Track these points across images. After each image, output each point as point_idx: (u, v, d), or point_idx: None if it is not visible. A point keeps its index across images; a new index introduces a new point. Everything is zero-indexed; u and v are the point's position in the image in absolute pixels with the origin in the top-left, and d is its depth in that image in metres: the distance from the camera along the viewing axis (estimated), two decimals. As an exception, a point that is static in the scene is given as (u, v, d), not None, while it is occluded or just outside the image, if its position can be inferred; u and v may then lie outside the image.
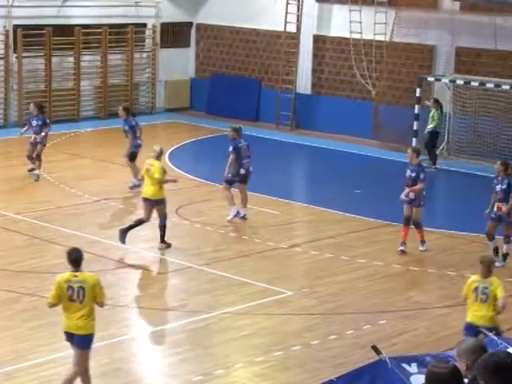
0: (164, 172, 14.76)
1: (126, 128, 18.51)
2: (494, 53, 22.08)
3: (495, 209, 14.30)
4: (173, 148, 22.66)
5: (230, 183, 16.55)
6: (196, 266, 13.93)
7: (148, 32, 27.49)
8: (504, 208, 14.19)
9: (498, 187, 14.25)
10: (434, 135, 21.37)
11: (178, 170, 20.32)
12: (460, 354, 5.71)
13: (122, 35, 26.65)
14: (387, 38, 23.64)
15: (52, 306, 9.42)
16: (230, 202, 16.49)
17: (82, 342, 9.19)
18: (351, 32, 24.07)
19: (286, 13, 25.49)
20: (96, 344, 9.50)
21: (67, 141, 23.34)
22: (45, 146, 19.13)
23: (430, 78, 22.64)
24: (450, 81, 22.33)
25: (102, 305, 9.38)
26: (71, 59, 25.74)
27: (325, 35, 25.39)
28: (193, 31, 28.10)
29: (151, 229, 15.89)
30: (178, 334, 11.37)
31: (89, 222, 16.07)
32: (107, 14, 25.94)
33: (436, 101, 21.51)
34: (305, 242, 15.46)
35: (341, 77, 25.17)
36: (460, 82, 22.05)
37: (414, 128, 22.27)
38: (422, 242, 15.07)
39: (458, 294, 12.94)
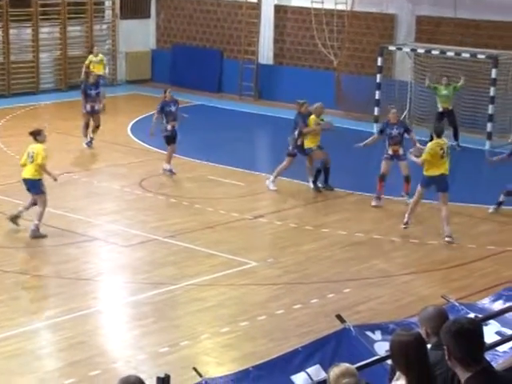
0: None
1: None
2: (454, 21, 22.17)
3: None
4: (135, 120, 22.50)
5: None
6: (160, 238, 13.91)
7: (107, 3, 27.17)
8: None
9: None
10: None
11: (141, 143, 20.21)
12: (421, 320, 5.79)
13: (81, 6, 26.31)
14: (348, 8, 23.61)
15: None
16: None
17: None
18: (312, 1, 24.01)
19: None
20: (60, 318, 9.48)
21: (27, 114, 23.07)
22: None
23: (391, 47, 22.68)
24: (411, 49, 22.39)
25: None
26: (29, 31, 25.39)
27: (286, 5, 25.29)
28: (153, 2, 27.83)
29: (114, 201, 15.85)
30: (144, 307, 11.37)
31: (51, 195, 15.91)
32: (66, -15, 25.58)
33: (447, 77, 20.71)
34: (269, 213, 15.49)
35: (303, 47, 25.12)
36: (421, 50, 22.12)
37: (376, 97, 22.32)
38: (408, 193, 15.68)
39: (421, 261, 13.15)
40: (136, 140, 20.47)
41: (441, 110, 20.57)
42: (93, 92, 19.50)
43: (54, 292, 11.87)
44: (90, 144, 19.58)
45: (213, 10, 26.64)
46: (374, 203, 15.84)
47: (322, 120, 16.94)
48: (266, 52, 25.77)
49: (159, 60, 27.60)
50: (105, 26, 27.31)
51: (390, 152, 16.01)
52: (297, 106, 17.10)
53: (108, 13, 27.26)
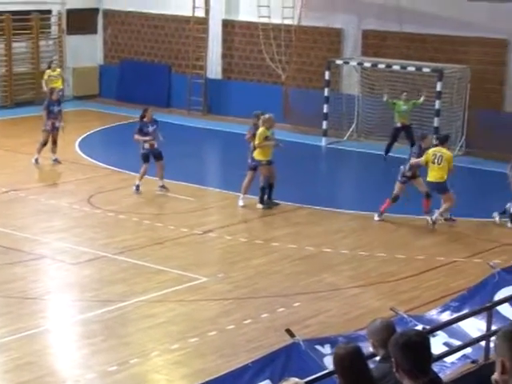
0: None
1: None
2: (399, 35, 22.44)
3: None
4: (83, 136, 22.34)
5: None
6: (109, 255, 13.78)
7: (53, 19, 26.97)
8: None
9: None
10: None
11: (88, 159, 20.06)
12: (369, 333, 5.83)
13: (27, 22, 26.07)
14: (295, 22, 23.77)
15: None
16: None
17: None
18: (260, 16, 24.12)
19: (194, -3, 25.37)
20: (7, 338, 9.33)
21: (-27, 131, 22.76)
22: None
23: (339, 61, 22.88)
24: (358, 63, 22.61)
25: None
26: (-26, 47, 25.09)
27: (234, 20, 25.37)
28: (100, 17, 27.70)
29: (62, 219, 15.68)
30: (93, 325, 11.24)
31: (-3, 213, 15.73)
32: (10, 0, 25.32)
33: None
34: (219, 228, 15.46)
35: (251, 61, 25.21)
36: (367, 64, 22.34)
37: (324, 111, 22.47)
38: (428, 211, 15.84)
39: (370, 274, 13.22)
40: (84, 156, 20.31)
41: (399, 125, 20.53)
42: (55, 108, 19.28)
43: (0, 312, 11.67)
44: (44, 161, 19.24)
45: (160, 25, 26.61)
46: (377, 218, 15.79)
47: (272, 134, 16.71)
48: (214, 67, 25.81)
49: (107, 75, 27.46)
50: (51, 42, 27.09)
51: (409, 174, 15.92)
52: (254, 119, 16.96)
53: (54, 28, 27.05)
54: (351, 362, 5.28)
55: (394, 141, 20.58)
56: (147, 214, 16.14)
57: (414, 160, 15.70)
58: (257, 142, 16.33)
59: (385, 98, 20.82)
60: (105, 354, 10.33)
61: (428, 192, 15.78)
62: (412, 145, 20.54)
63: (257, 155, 16.44)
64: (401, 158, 19.78)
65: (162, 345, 10.66)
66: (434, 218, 15.32)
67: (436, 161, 15.33)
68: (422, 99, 20.67)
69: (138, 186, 17.36)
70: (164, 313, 11.64)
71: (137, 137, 17.39)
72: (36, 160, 19.33)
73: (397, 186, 15.88)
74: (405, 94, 20.64)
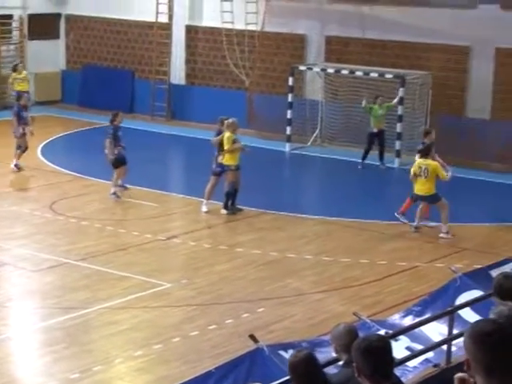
0: None
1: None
2: (362, 41, 22.58)
3: None
4: (45, 142, 22.17)
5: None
6: (72, 262, 13.68)
7: (15, 24, 26.74)
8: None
9: None
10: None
11: (51, 165, 19.91)
12: (332, 338, 5.87)
13: (-12, 27, 25.85)
14: (259, 28, 23.82)
15: None
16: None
17: None
18: (223, 22, 24.14)
19: (157, 3, 25.31)
20: (-32, 347, 9.21)
21: None
22: None
23: (302, 67, 22.96)
24: (321, 69, 22.71)
25: None
26: None
27: (197, 25, 25.36)
28: (62, 22, 27.53)
29: (24, 225, 15.54)
30: (55, 332, 11.14)
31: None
32: (-29, 5, 25.10)
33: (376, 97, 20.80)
34: (183, 233, 15.43)
35: (214, 67, 25.21)
36: (330, 70, 22.45)
37: (288, 116, 22.53)
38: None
39: (334, 279, 13.27)
40: (47, 162, 20.15)
41: (375, 130, 20.49)
42: (25, 114, 19.15)
43: (-39, 320, 11.54)
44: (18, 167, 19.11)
45: (123, 30, 26.51)
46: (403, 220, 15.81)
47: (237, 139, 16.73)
48: (177, 72, 25.77)
49: (69, 81, 27.29)
50: (12, 47, 26.86)
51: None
52: (219, 124, 16.94)
53: (15, 33, 26.82)
54: (305, 369, 5.40)
55: (371, 147, 20.54)
56: (110, 220, 16.06)
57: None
58: (227, 146, 16.32)
59: (363, 104, 20.58)
60: (67, 362, 10.25)
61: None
62: (381, 151, 20.61)
63: (226, 160, 16.42)
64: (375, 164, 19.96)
65: (125, 352, 10.60)
66: (431, 224, 15.55)
67: (423, 173, 15.14)
68: (395, 101, 20.76)
69: (115, 193, 17.22)
70: (127, 319, 11.57)
71: (109, 144, 17.26)
72: (16, 166, 19.02)
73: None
74: (380, 98, 20.64)
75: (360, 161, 20.38)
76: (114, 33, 26.66)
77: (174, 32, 25.55)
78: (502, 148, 20.42)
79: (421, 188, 15.21)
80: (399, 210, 15.74)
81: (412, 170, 15.32)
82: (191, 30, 25.46)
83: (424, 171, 15.13)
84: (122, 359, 10.41)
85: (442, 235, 15.26)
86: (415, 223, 15.53)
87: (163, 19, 25.49)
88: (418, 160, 15.40)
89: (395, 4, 21.76)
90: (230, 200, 16.57)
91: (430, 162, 15.25)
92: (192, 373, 9.65)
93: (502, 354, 3.56)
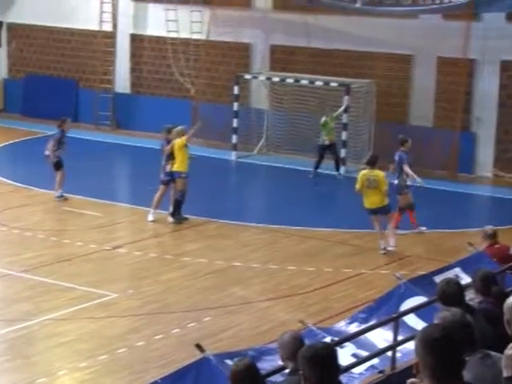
0: None
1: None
2: (307, 50, 22.71)
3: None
4: (-13, 152, 21.86)
5: None
6: (15, 273, 13.48)
7: (-44, 32, 26.37)
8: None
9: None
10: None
11: (-6, 175, 19.63)
12: (278, 346, 5.87)
13: None
14: (204, 37, 23.81)
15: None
16: None
17: None
18: (168, 31, 24.09)
19: (101, 11, 25.14)
20: None
21: None
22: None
23: (247, 76, 23.01)
24: (267, 78, 22.78)
25: None
26: None
27: (142, 34, 25.26)
28: (4, 31, 27.18)
29: (-34, 237, 15.28)
30: (-2, 345, 10.98)
31: None
32: None
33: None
34: (128, 243, 15.31)
35: (160, 75, 25.12)
36: (276, 79, 22.53)
37: (234, 125, 22.56)
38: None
39: (280, 287, 13.30)
40: (-12, 172, 19.86)
41: (327, 142, 20.45)
42: None
43: None
44: None
45: (66, 39, 26.27)
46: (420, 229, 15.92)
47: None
48: (122, 81, 25.62)
49: (11, 90, 26.93)
50: (-47, 55, 26.46)
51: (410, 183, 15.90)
52: (165, 132, 16.89)
53: (-43, 42, 26.44)
54: (245, 378, 5.50)
55: (322, 158, 20.54)
56: (54, 230, 15.87)
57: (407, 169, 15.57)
58: (177, 151, 16.24)
59: (323, 120, 20.35)
60: (10, 375, 10.09)
61: (411, 204, 15.74)
62: (337, 160, 20.62)
63: (177, 167, 16.35)
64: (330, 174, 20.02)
65: (70, 363, 10.47)
66: (389, 247, 14.90)
67: (371, 185, 14.58)
68: (341, 109, 20.76)
69: (61, 195, 17.23)
70: (72, 330, 11.44)
71: (52, 146, 17.37)
72: None
73: (402, 198, 15.68)
74: (331, 111, 20.64)
75: (312, 169, 20.44)
76: (57, 41, 26.41)
77: (119, 41, 25.41)
78: (444, 155, 20.69)
79: (373, 200, 14.63)
80: (413, 225, 15.84)
81: (358, 183, 14.73)
82: (136, 39, 25.35)
83: (372, 182, 14.59)
84: (67, 371, 10.28)
85: (391, 248, 14.86)
86: (382, 246, 14.81)
87: (107, 28, 25.33)
88: (363, 172, 14.88)
89: (340, 13, 21.94)
90: (177, 209, 16.52)
91: (378, 173, 14.74)
92: (138, 383, 9.60)
93: (448, 358, 3.66)
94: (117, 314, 12.06)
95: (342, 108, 20.89)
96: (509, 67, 20.61)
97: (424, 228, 16.02)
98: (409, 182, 15.74)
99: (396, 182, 15.70)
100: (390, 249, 14.91)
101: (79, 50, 26.16)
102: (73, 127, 24.27)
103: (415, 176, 15.70)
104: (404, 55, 21.65)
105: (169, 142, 16.54)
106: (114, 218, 16.97)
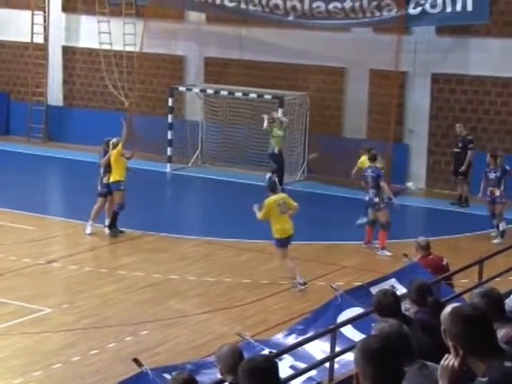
0: None
1: None
2: (240, 62, 22.80)
3: (489, 193, 16.57)
4: None
5: None
6: None
7: None
8: (497, 192, 16.42)
9: (492, 175, 16.56)
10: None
11: None
12: (217, 359, 5.87)
13: None
14: (137, 49, 23.71)
15: None
16: None
17: None
18: (101, 43, 23.92)
19: (32, 23, 24.85)
20: None
21: None
22: None
23: (182, 88, 22.99)
24: (201, 90, 22.79)
25: None
26: None
27: (74, 46, 25.03)
28: None
29: None
30: None
31: None
32: None
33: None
34: (63, 257, 15.14)
35: (93, 88, 24.93)
36: (210, 91, 22.55)
37: (168, 137, 22.50)
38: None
39: (216, 300, 13.28)
40: None
41: (276, 151, 20.43)
42: None
43: None
44: None
45: (-3, 50, 25.90)
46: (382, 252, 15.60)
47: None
48: (55, 93, 25.35)
49: None
50: None
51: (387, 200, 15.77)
52: (103, 145, 16.78)
53: None
54: None
55: (283, 165, 20.51)
56: (-14, 245, 15.58)
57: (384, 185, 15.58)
58: (114, 162, 16.16)
59: (265, 126, 20.27)
60: None
61: (387, 222, 15.52)
62: (278, 174, 20.43)
63: (114, 177, 16.21)
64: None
65: (4, 380, 10.29)
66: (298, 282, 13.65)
67: (282, 210, 13.67)
68: (280, 116, 20.66)
69: None
70: (6, 346, 11.25)
71: None
72: None
73: (382, 215, 15.50)
74: (279, 119, 20.59)
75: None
76: (-13, 53, 26.00)
77: (50, 53, 25.14)
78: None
79: (288, 226, 13.70)
80: (379, 245, 15.60)
81: (266, 211, 13.58)
82: (68, 51, 25.11)
83: (283, 206, 13.64)
84: (1, 388, 10.11)
85: (302, 287, 13.54)
86: (302, 280, 13.65)
87: (39, 40, 25.04)
88: (272, 198, 13.72)
89: (273, 26, 22.09)
90: (113, 222, 16.39)
91: (283, 195, 14.04)
92: (74, 400, 9.48)
93: (388, 368, 3.73)
94: (51, 329, 11.90)
95: (280, 114, 20.79)
96: (439, 80, 21.00)
97: (377, 242, 15.86)
98: (385, 200, 15.78)
99: (376, 199, 15.56)
100: (303, 287, 13.57)
101: (10, 63, 25.80)
102: (3, 140, 24.03)
103: (391, 194, 15.86)
104: (337, 68, 21.89)
105: (107, 153, 16.46)
106: (48, 231, 16.76)
